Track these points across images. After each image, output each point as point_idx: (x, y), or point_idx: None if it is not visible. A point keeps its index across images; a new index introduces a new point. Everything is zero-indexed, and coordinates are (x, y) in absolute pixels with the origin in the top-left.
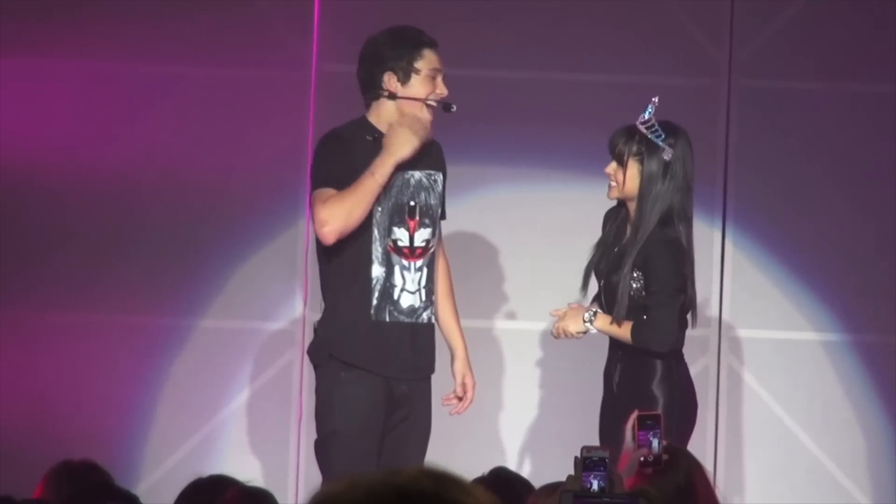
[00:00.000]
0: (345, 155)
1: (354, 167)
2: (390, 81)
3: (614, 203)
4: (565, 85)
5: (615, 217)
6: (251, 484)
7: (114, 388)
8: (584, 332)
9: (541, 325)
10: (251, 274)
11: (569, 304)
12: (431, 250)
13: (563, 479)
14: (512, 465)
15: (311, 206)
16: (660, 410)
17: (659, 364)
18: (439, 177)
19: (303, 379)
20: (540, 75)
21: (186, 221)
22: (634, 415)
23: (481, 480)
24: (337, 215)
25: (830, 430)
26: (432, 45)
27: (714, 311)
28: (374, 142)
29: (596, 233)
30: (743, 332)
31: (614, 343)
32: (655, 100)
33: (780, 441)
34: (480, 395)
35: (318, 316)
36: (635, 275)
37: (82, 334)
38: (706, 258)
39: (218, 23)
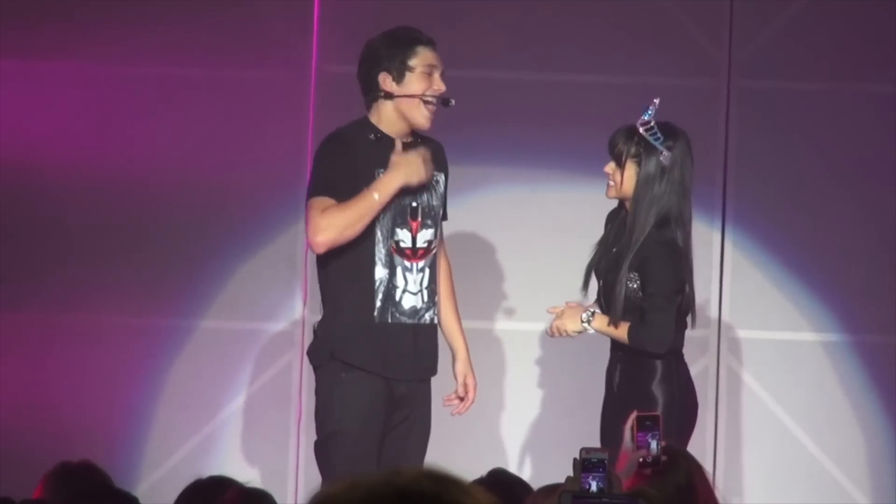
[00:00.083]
0: (345, 159)
1: (355, 171)
2: (386, 81)
3: (615, 204)
4: (565, 85)
5: (616, 217)
6: (251, 485)
7: (114, 389)
8: (581, 332)
9: (541, 326)
10: (251, 275)
11: (566, 303)
12: (433, 251)
13: (563, 480)
14: (513, 466)
15: (307, 211)
16: (660, 411)
17: (659, 364)
18: (441, 177)
19: (302, 380)
20: (540, 76)
21: (186, 222)
22: (633, 416)
23: (479, 482)
24: (332, 228)
25: (830, 430)
26: (428, 42)
27: (714, 312)
28: (376, 141)
29: (596, 233)
30: (742, 333)
31: (615, 344)
32: (656, 101)
33: (780, 441)
34: (481, 396)
35: (317, 317)
36: (632, 276)
37: (82, 335)
38: (706, 258)
39: (218, 24)
